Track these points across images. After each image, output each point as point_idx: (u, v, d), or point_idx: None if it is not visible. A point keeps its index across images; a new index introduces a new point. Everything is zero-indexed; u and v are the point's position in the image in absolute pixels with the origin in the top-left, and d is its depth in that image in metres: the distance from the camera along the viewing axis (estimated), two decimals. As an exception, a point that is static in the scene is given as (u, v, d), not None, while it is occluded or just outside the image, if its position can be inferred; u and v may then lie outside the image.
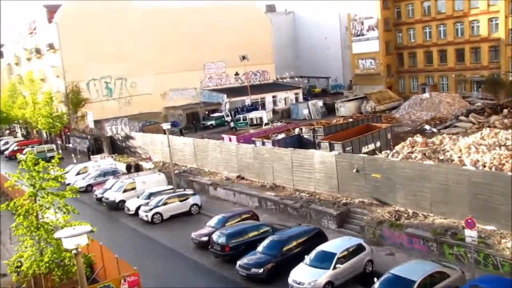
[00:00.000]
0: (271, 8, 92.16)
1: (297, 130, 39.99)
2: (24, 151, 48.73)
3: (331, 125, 39.76)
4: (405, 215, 22.80)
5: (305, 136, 38.34)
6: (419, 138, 30.83)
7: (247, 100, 68.90)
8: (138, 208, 30.71)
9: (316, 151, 29.72)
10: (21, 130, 78.45)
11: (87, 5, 58.87)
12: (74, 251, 11.73)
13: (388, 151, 31.54)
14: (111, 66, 61.06)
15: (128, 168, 41.61)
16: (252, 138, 39.36)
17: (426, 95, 55.42)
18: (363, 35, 70.73)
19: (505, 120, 40.36)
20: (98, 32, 59.74)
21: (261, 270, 19.90)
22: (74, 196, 19.38)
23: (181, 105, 67.26)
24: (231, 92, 69.84)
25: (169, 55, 65.31)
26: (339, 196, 26.81)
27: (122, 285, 17.49)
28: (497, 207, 19.93)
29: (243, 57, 70.31)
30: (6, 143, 65.32)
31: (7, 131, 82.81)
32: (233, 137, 42.44)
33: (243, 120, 59.46)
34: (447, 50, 63.53)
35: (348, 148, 32.46)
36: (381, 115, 48.50)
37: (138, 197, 32.18)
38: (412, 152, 28.86)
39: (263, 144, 36.63)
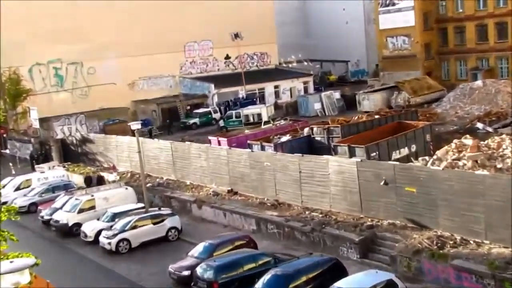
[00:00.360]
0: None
1: (306, 131, 39.99)
2: None
3: (351, 124, 39.79)
4: (451, 242, 22.74)
5: (317, 138, 38.36)
6: (468, 140, 30.80)
7: (241, 91, 68.94)
8: (98, 233, 30.65)
9: (332, 158, 29.73)
10: None
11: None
12: (12, 291, 11.61)
13: (427, 158, 31.49)
14: (62, 46, 61.01)
15: (88, 180, 41.49)
16: (248, 141, 39.34)
17: (479, 83, 55.47)
18: (393, 4, 70.91)
19: None
20: (43, 2, 59.59)
21: (260, 315, 19.84)
22: (12, 219, 19.27)
23: (154, 98, 67.21)
24: (221, 81, 69.89)
25: (139, 33, 65.33)
26: (362, 216, 26.81)
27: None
28: None
29: (236, 35, 70.41)
30: None
31: None
32: (223, 140, 42.41)
33: (236, 117, 59.45)
34: (507, 23, 63.00)
35: (374, 154, 32.50)
36: (418, 110, 48.51)
37: (98, 219, 32.11)
38: (459, 159, 28.80)
39: (262, 148, 36.61)
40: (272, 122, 50.04)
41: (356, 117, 42.89)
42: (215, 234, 28.27)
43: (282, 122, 49.66)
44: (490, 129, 43.55)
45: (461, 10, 67.23)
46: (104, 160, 47.29)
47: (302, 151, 33.03)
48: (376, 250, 24.62)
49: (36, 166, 48.86)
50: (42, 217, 35.22)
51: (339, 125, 38.67)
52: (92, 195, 34.14)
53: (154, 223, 30.01)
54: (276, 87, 72.70)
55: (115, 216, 31.15)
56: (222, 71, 74.28)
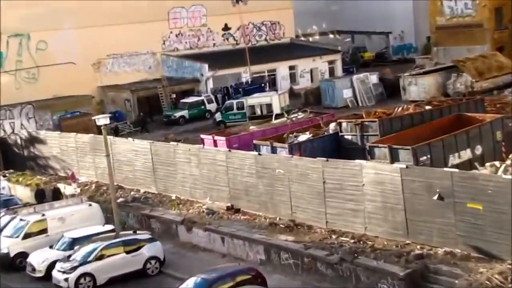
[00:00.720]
0: None
1: (332, 127, 40.00)
2: None
3: (394, 117, 39.70)
4: (532, 278, 22.68)
5: (347, 136, 38.35)
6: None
7: (245, 74, 68.96)
8: (51, 266, 30.60)
9: (367, 163, 29.66)
10: None
11: None
12: None
13: (497, 163, 31.40)
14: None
15: (39, 195, 41.42)
16: (254, 141, 39.41)
17: None
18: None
19: None
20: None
21: None
22: None
23: (128, 83, 67.33)
24: (217, 60, 69.99)
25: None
26: (409, 242, 26.76)
27: None
28: None
29: (238, -2, 70.59)
30: None
31: None
32: (221, 139, 42.59)
33: (238, 108, 59.56)
34: None
35: (424, 158, 32.41)
36: (485, 98, 48.39)
37: (51, 246, 32.12)
38: (541, 165, 28.73)
39: (274, 151, 36.68)
40: (286, 116, 50.01)
41: (400, 109, 42.80)
42: (210, 266, 28.30)
43: (300, 115, 49.59)
44: None
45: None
46: (60, 167, 47.36)
47: (327, 154, 32.97)
48: (428, 288, 24.60)
49: (-35, 175, 49.00)
50: (-25, 244, 35.30)
51: (376, 119, 38.58)
52: (43, 214, 34.01)
53: (128, 252, 29.93)
54: (291, 68, 72.75)
55: (74, 243, 31.05)
56: (219, 46, 74.40)
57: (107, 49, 67.24)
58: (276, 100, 58.68)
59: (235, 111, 59.63)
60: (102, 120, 32.64)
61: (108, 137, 35.78)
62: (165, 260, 30.70)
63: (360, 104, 60.57)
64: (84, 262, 29.32)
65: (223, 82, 67.96)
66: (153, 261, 30.24)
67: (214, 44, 74.54)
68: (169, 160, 38.52)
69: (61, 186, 42.90)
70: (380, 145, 34.24)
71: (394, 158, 32.42)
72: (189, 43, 73.29)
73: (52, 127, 58.15)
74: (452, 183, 25.42)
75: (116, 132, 57.03)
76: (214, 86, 67.54)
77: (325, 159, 30.62)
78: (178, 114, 63.00)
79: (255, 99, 60.26)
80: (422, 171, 27.77)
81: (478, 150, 34.88)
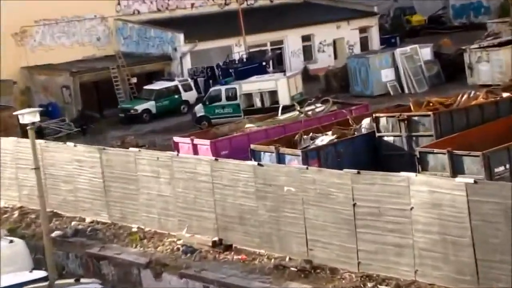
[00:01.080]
0: None
1: (366, 124, 40.27)
2: None
3: (455, 110, 39.91)
4: None
5: (388, 138, 38.61)
6: None
7: (238, 47, 69.09)
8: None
9: (417, 177, 29.66)
10: None
11: None
12: None
13: None
14: None
15: None
16: (252, 146, 39.65)
17: None
18: None
19: None
20: None
21: None
22: None
23: (67, 62, 67.43)
24: (197, 27, 70.25)
25: None
26: (479, 292, 26.93)
27: None
28: None
29: None
30: None
31: None
32: (203, 143, 42.92)
33: (228, 99, 59.67)
34: None
35: (502, 169, 32.60)
36: None
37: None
38: None
39: (280, 159, 36.97)
40: (298, 108, 50.16)
41: (466, 97, 42.98)
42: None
43: (319, 107, 49.76)
44: None
45: None
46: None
47: (358, 164, 33.25)
48: None
49: None
50: None
51: (430, 113, 38.76)
52: None
53: (68, 309, 30.20)
54: (306, 38, 72.98)
55: (-11, 296, 31.34)
56: (199, 8, 74.55)
57: (35, 13, 67.29)
58: (283, 86, 58.78)
59: (224, 102, 59.77)
60: (29, 116, 32.56)
61: (38, 141, 35.82)
62: (123, 321, 30.97)
63: (407, 91, 61.00)
64: (3, 325, 29.57)
65: (206, 60, 68.14)
66: (105, 322, 30.51)
67: (192, 5, 74.68)
68: (127, 175, 38.66)
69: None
70: (436, 150, 34.40)
71: (456, 169, 32.61)
72: (155, 3, 73.39)
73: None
74: (542, 205, 25.59)
75: (40, 134, 55.87)
76: (193, 66, 67.64)
77: (355, 171, 30.67)
78: (140, 107, 63.19)
79: (253, 85, 60.38)
80: (498, 188, 27.64)
81: None
